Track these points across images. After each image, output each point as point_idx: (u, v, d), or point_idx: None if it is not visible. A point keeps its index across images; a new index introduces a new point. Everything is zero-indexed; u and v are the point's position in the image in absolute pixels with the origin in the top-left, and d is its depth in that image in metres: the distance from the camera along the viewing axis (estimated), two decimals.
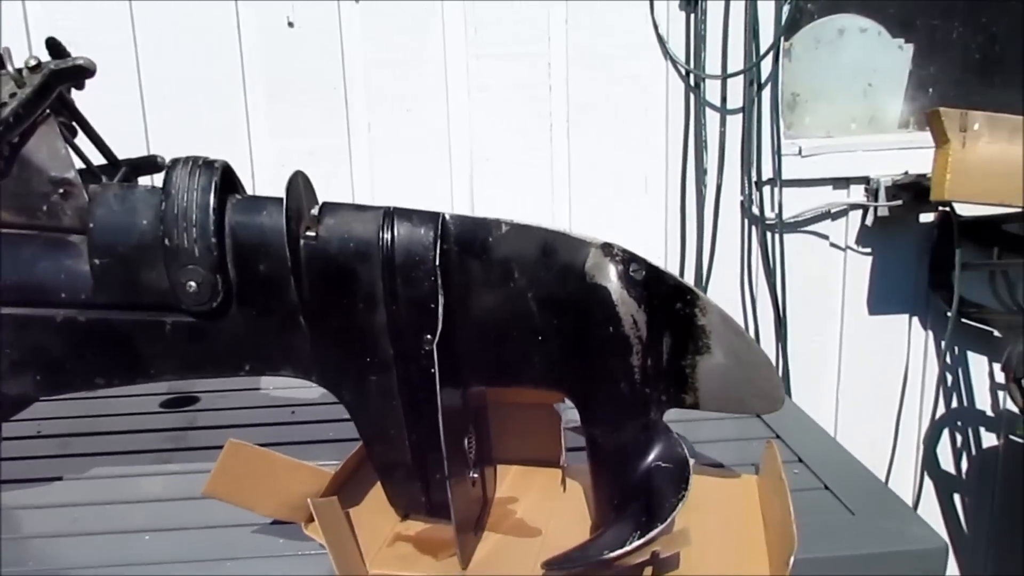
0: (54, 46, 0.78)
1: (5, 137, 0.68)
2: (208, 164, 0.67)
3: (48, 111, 0.70)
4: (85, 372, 0.72)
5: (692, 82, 1.55)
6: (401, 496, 0.74)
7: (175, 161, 0.67)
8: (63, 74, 0.69)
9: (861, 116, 1.71)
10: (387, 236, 0.65)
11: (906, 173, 1.59)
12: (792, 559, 0.61)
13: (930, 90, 1.72)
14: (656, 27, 1.53)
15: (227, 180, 0.68)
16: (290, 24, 1.47)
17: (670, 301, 0.65)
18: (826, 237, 1.67)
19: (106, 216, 0.68)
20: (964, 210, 1.56)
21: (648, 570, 0.65)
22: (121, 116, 1.47)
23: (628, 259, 0.64)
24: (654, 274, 0.65)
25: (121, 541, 0.75)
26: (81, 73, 0.70)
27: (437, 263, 0.65)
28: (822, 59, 1.67)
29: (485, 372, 0.69)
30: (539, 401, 0.83)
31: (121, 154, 0.87)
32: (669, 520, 0.62)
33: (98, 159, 0.82)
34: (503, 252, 0.66)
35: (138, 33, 1.45)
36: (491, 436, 0.81)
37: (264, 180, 1.48)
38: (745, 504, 0.77)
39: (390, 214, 0.66)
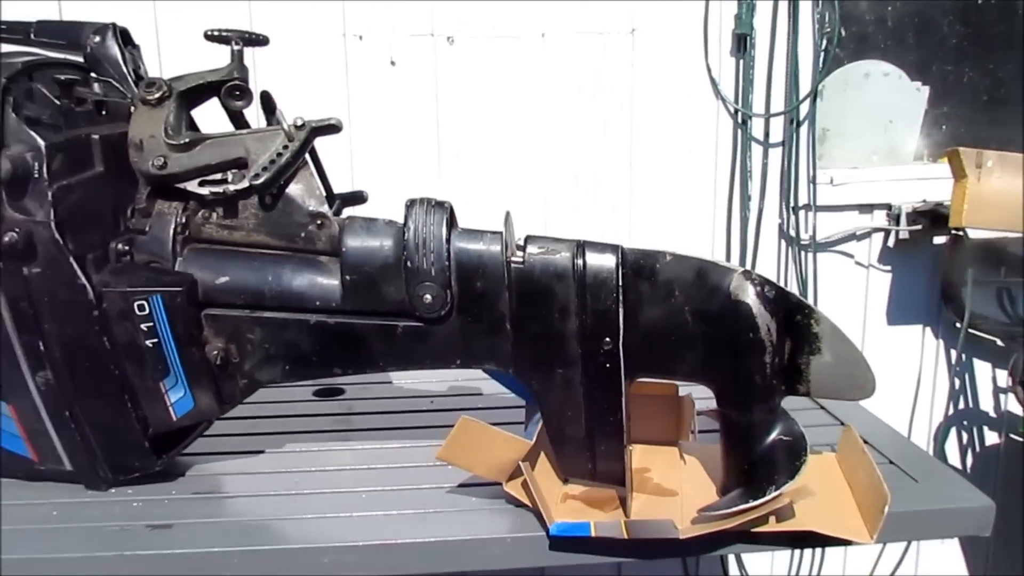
0: (266, 98, 0.98)
1: (278, 180, 0.88)
2: (439, 204, 0.87)
3: (306, 158, 0.90)
4: (326, 364, 0.91)
5: (740, 120, 1.77)
6: (570, 464, 0.94)
7: (413, 201, 0.87)
8: (320, 130, 0.89)
9: (882, 149, 1.93)
10: (580, 262, 0.85)
11: (924, 201, 1.81)
12: (887, 508, 0.82)
13: (943, 127, 1.95)
14: (709, 70, 1.74)
15: (451, 215, 0.88)
16: None
17: (792, 313, 0.86)
18: (851, 256, 1.89)
19: (356, 242, 0.88)
20: (973, 234, 1.78)
21: (772, 517, 0.85)
22: None
23: (763, 282, 0.85)
24: (781, 293, 0.86)
25: (341, 499, 0.94)
26: (332, 129, 0.89)
27: (619, 284, 0.85)
28: (850, 99, 1.88)
29: (648, 367, 0.89)
30: (658, 393, 1.04)
31: None
32: (797, 477, 0.83)
33: None
34: (667, 276, 0.86)
35: None
36: None
37: None
38: (830, 475, 0.98)
39: (581, 245, 0.86)
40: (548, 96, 1.72)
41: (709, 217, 1.82)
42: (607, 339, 0.86)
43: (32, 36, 1.01)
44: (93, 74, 0.96)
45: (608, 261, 0.86)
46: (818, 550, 1.94)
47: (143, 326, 0.86)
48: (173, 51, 1.55)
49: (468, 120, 1.70)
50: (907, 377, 1.96)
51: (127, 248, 0.90)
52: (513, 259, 0.87)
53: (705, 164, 1.79)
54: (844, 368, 0.87)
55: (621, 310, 0.85)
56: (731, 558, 1.92)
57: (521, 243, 0.88)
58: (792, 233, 1.82)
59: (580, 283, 0.85)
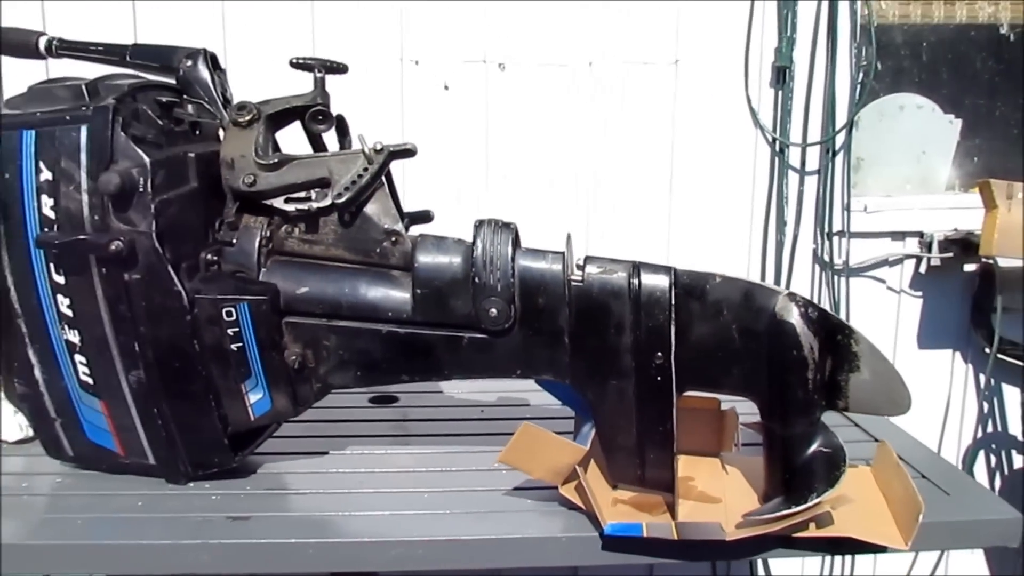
0: (340, 121, 1.06)
1: (358, 200, 0.95)
2: (506, 225, 0.94)
3: (383, 179, 0.97)
4: (395, 371, 0.98)
5: (777, 148, 1.83)
6: (620, 470, 1.00)
7: (481, 222, 0.94)
8: (397, 154, 0.97)
9: (915, 178, 1.99)
10: (635, 282, 0.92)
11: (955, 229, 1.86)
12: (921, 517, 0.87)
13: (975, 158, 2.00)
14: (749, 100, 1.80)
15: (516, 236, 0.95)
16: None
17: (833, 333, 0.92)
18: (884, 282, 1.94)
19: (427, 259, 0.95)
20: (1003, 262, 1.83)
21: (812, 523, 0.91)
22: None
23: (807, 303, 0.91)
24: (823, 314, 0.92)
25: (405, 498, 1.01)
26: (408, 154, 0.97)
27: (672, 303, 0.91)
28: (884, 130, 1.94)
29: (696, 381, 0.95)
30: (702, 406, 1.10)
31: None
32: (836, 486, 0.88)
33: None
34: (716, 296, 0.92)
35: None
36: None
37: None
38: (866, 487, 1.03)
39: (637, 266, 0.93)
40: (593, 122, 1.79)
41: (745, 241, 1.88)
42: (659, 354, 0.92)
43: (128, 58, 1.10)
44: (185, 96, 1.05)
45: (662, 281, 0.92)
46: (847, 562, 1.98)
47: (229, 331, 0.94)
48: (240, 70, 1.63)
49: (516, 143, 1.77)
50: (937, 401, 2.00)
51: (216, 258, 0.97)
52: (573, 277, 0.93)
53: (743, 190, 1.86)
54: (881, 385, 0.93)
55: (673, 327, 0.91)
56: (759, 563, 1.96)
57: (580, 263, 0.94)
58: (826, 258, 1.88)
59: (635, 301, 0.92)
